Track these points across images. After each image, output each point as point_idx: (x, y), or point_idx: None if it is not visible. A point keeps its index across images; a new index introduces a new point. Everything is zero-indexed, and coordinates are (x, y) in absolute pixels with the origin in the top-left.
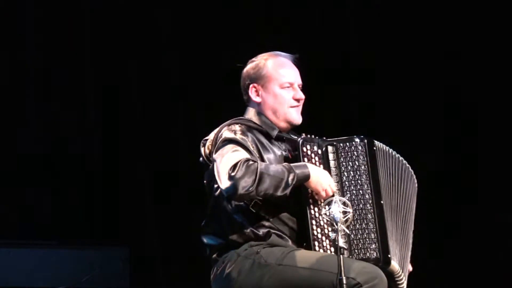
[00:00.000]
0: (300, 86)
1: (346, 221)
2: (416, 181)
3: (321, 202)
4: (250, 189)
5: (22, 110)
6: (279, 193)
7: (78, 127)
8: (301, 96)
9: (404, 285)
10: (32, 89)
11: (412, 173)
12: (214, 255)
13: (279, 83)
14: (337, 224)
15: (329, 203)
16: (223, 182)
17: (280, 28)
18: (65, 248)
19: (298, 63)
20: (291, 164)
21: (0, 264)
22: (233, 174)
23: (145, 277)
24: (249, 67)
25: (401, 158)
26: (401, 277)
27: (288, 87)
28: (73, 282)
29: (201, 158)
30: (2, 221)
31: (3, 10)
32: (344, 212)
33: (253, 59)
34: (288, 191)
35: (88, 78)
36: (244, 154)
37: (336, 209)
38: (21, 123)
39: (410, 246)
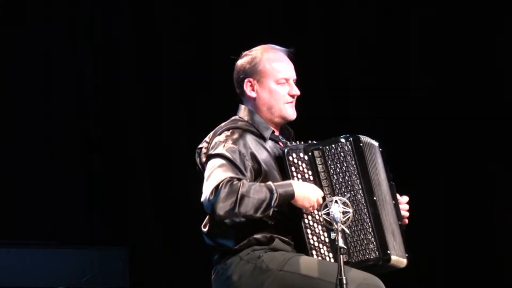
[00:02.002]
0: (295, 81)
1: (346, 221)
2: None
3: (314, 209)
4: (231, 211)
5: (20, 109)
6: (259, 214)
7: (77, 126)
8: (296, 92)
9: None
10: (31, 88)
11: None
12: (216, 257)
13: (275, 78)
14: (337, 224)
15: (331, 202)
16: (205, 204)
17: None
18: (65, 248)
19: (292, 57)
20: (275, 184)
21: (0, 264)
22: (212, 197)
23: (145, 277)
24: (244, 61)
25: (376, 142)
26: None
27: (283, 82)
28: (73, 282)
29: (197, 167)
30: (2, 221)
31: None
32: (344, 212)
33: (248, 52)
34: (270, 211)
35: (88, 78)
36: (229, 172)
37: (336, 209)
38: (20, 123)
39: (400, 227)
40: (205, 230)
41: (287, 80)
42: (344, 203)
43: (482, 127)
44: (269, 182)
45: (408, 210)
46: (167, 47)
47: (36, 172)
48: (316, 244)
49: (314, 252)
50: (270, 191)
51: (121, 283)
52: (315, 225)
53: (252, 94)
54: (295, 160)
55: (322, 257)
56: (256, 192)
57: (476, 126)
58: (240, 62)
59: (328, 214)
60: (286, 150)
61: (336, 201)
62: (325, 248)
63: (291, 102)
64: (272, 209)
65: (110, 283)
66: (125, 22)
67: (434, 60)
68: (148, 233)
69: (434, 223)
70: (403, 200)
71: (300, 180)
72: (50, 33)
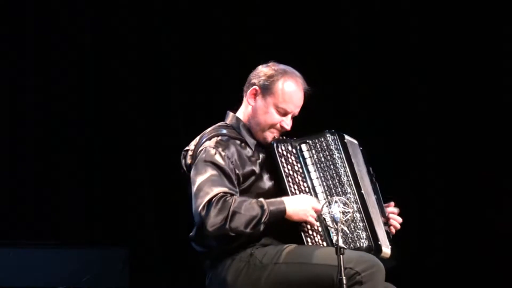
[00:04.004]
0: (294, 115)
1: (347, 221)
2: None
3: (314, 217)
4: (222, 227)
5: (20, 109)
6: (248, 230)
7: (77, 126)
8: (286, 127)
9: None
10: (31, 88)
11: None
12: (207, 262)
13: (277, 103)
14: (337, 224)
15: (329, 203)
16: (196, 218)
17: None
18: (65, 248)
19: (307, 94)
20: (267, 201)
21: (0, 264)
22: (204, 212)
23: (145, 277)
24: (265, 72)
25: (355, 141)
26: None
27: (282, 112)
28: (73, 282)
29: (182, 170)
30: (2, 221)
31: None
32: (344, 212)
33: (274, 66)
34: (260, 227)
35: (87, 77)
36: (220, 185)
37: (336, 209)
38: (20, 123)
39: (384, 222)
40: (192, 235)
41: (286, 113)
42: (344, 203)
43: (483, 122)
44: (261, 199)
45: (397, 220)
46: (167, 44)
47: (36, 171)
48: (310, 232)
49: (308, 239)
50: (261, 207)
51: (121, 283)
52: None
53: (251, 102)
54: (284, 152)
55: (316, 244)
56: (247, 209)
57: (477, 121)
58: (262, 69)
59: (328, 214)
60: (275, 143)
61: (336, 201)
62: (318, 236)
63: (276, 131)
64: (262, 225)
65: (110, 283)
66: (124, 18)
67: (434, 52)
68: (148, 233)
69: (434, 220)
70: (392, 209)
71: (290, 171)
72: (49, 32)
